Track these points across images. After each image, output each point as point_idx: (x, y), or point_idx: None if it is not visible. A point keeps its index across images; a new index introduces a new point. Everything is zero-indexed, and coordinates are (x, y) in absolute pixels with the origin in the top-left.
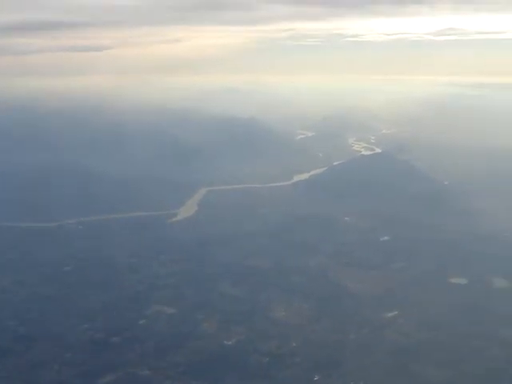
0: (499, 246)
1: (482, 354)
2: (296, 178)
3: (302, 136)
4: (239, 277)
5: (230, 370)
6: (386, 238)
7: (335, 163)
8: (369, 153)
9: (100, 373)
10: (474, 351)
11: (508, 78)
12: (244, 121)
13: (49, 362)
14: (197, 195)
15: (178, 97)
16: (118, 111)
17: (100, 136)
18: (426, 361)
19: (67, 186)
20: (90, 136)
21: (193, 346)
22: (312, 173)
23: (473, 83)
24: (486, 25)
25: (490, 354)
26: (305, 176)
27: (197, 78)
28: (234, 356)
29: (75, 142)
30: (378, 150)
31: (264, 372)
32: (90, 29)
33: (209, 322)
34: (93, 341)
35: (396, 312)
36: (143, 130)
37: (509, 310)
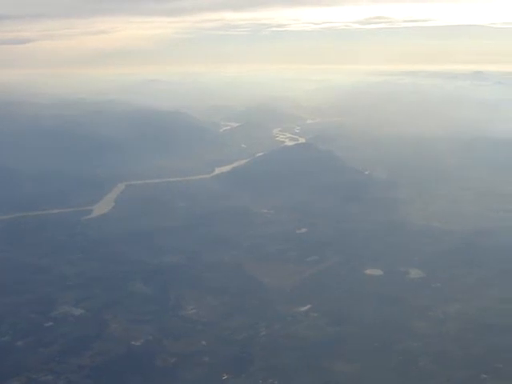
0: (416, 235)
1: (393, 347)
2: (217, 171)
3: (227, 127)
4: (151, 274)
5: (135, 371)
6: (303, 230)
7: (258, 155)
8: (292, 143)
9: (0, 380)
10: (385, 344)
11: (434, 66)
12: (167, 113)
13: None
14: (114, 191)
15: (101, 90)
16: (37, 106)
17: (15, 131)
18: (337, 356)
19: None
20: (4, 132)
21: (98, 347)
22: (234, 165)
23: (400, 71)
24: (413, 13)
25: (402, 346)
26: (226, 168)
27: (122, 70)
28: (141, 357)
29: None
30: (302, 141)
31: (170, 373)
32: (12, 21)
33: (117, 322)
34: None
35: (309, 306)
36: (61, 125)
37: (423, 301)
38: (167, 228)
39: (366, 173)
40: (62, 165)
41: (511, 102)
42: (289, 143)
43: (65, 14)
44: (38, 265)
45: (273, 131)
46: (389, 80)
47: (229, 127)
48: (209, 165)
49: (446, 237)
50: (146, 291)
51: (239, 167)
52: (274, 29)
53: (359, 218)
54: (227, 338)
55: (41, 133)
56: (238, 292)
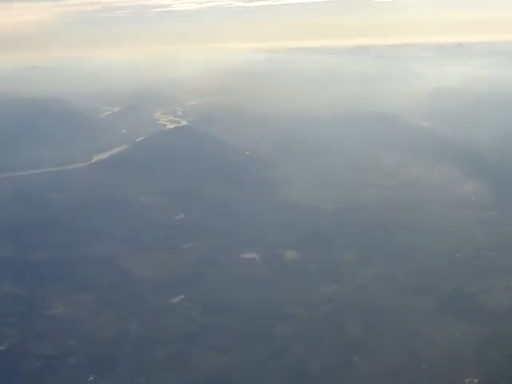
0: (294, 215)
1: (267, 333)
2: (96, 158)
3: (108, 112)
4: (19, 272)
5: None
6: (181, 216)
7: (138, 139)
8: (173, 126)
9: None
10: (259, 332)
11: (317, 41)
12: (44, 101)
13: None
14: None
15: None
16: None
17: None
18: (210, 348)
19: None
20: None
21: None
22: (113, 151)
23: (285, 48)
24: None
25: (275, 333)
26: (105, 155)
27: (1, 57)
28: (5, 362)
29: None
30: (184, 123)
31: (36, 377)
32: None
33: None
34: None
35: (182, 296)
36: None
37: (298, 284)
38: (38, 222)
39: (247, 153)
40: None
41: (390, 76)
42: (170, 126)
43: None
44: None
45: (155, 114)
46: (273, 57)
47: (110, 112)
48: (86, 152)
49: (324, 215)
50: (13, 291)
51: (118, 153)
52: (158, 9)
53: (238, 200)
54: (96, 336)
55: None
56: (109, 286)
